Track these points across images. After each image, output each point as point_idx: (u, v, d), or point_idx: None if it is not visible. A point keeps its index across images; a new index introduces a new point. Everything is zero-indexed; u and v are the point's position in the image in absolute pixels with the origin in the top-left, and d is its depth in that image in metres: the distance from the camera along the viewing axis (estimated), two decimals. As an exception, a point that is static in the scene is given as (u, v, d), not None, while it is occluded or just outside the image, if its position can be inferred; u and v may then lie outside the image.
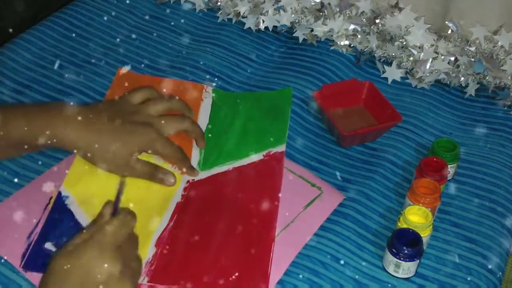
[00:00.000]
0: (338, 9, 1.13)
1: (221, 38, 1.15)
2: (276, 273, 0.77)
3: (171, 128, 0.87)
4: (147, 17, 1.20)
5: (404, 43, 1.08)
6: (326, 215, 0.84)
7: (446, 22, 1.09)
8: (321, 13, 1.14)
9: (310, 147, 0.96)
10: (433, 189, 0.82)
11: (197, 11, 1.21)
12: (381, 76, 1.09)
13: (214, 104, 1.00)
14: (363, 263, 0.80)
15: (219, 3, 1.20)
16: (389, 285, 0.78)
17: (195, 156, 0.91)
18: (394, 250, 0.77)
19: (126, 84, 1.00)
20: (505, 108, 1.05)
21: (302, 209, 0.85)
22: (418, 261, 0.77)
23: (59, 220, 0.81)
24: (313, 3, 1.14)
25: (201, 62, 1.09)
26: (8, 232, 0.79)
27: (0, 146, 0.81)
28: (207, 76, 1.06)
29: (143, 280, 0.75)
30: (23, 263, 0.76)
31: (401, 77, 1.09)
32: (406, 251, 0.76)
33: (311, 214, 0.84)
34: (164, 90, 1.00)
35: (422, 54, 1.07)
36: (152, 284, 0.75)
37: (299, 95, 1.03)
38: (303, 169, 0.91)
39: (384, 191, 0.90)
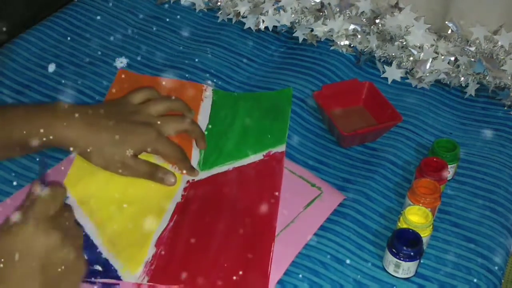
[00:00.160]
0: (338, 9, 1.13)
1: (221, 38, 1.15)
2: (276, 273, 0.77)
3: (171, 128, 0.87)
4: (147, 17, 1.20)
5: (404, 43, 1.08)
6: (326, 215, 0.84)
7: (446, 22, 1.09)
8: (321, 13, 1.14)
9: (310, 147, 0.96)
10: (433, 189, 0.82)
11: (197, 11, 1.21)
12: (381, 76, 1.09)
13: (214, 104, 1.00)
14: (363, 263, 0.80)
15: (219, 3, 1.20)
16: (389, 285, 0.78)
17: (195, 156, 0.91)
18: (394, 250, 0.77)
19: (126, 85, 1.00)
20: (505, 108, 1.05)
21: (302, 209, 0.85)
22: (418, 261, 0.77)
23: (59, 220, 0.80)
24: (313, 3, 1.14)
25: (201, 62, 1.09)
26: (8, 232, 0.79)
27: (0, 146, 0.81)
28: (207, 76, 1.06)
29: (143, 280, 0.75)
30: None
31: (401, 77, 1.09)
32: (406, 251, 0.76)
33: (311, 214, 0.84)
34: (164, 90, 1.00)
35: (422, 54, 1.07)
36: (152, 284, 0.75)
37: (299, 95, 1.03)
38: (303, 169, 0.91)
39: (384, 191, 0.89)
